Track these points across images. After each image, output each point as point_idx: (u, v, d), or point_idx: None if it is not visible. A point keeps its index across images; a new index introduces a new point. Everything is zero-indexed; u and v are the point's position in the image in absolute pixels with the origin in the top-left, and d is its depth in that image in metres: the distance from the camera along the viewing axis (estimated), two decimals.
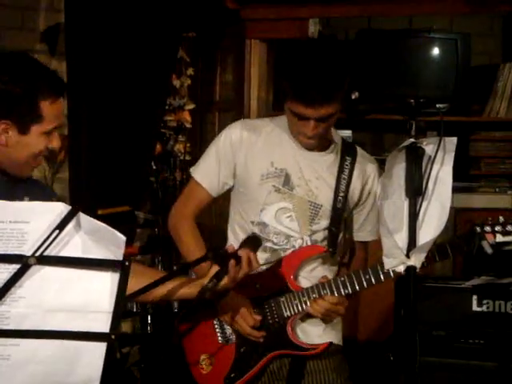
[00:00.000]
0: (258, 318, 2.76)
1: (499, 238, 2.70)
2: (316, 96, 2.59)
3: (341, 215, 2.82)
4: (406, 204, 2.40)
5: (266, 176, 2.79)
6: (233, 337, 2.82)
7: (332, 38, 5.04)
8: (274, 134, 2.83)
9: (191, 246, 2.86)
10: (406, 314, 2.57)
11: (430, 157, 2.42)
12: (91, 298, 1.75)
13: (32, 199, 2.29)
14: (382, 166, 4.59)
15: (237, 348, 2.81)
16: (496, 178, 4.94)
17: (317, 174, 2.81)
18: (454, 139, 2.44)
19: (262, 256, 2.76)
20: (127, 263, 1.74)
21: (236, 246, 2.56)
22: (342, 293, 2.73)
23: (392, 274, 2.65)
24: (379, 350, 3.86)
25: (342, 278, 2.74)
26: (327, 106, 2.62)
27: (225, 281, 2.41)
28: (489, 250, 2.70)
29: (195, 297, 2.39)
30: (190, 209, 2.89)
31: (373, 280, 2.72)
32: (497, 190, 4.82)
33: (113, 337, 1.75)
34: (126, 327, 4.28)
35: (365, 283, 2.73)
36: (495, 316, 3.35)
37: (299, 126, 2.71)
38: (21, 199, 2.28)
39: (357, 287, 2.73)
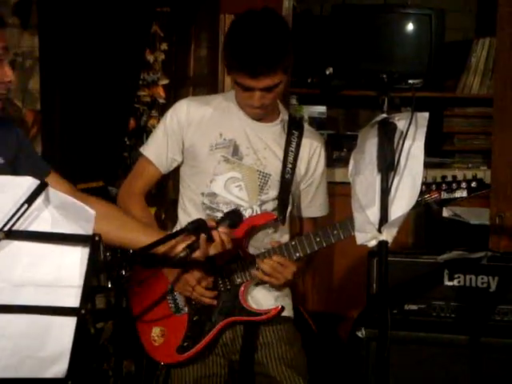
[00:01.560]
0: (210, 279, 2.79)
1: (444, 196, 2.78)
2: (258, 67, 2.65)
3: (289, 186, 2.86)
4: (377, 179, 2.41)
5: (214, 146, 2.83)
6: (185, 307, 2.84)
7: (307, 12, 5.03)
8: (221, 106, 2.88)
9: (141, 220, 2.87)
10: (378, 288, 2.59)
11: (402, 132, 2.43)
12: (61, 273, 1.74)
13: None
14: (356, 141, 4.64)
15: (189, 317, 2.84)
16: (469, 153, 4.96)
17: (264, 144, 2.85)
18: (426, 114, 2.46)
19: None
20: (97, 238, 1.73)
21: (187, 221, 2.63)
22: (294, 257, 2.79)
23: (342, 236, 2.73)
24: (351, 323, 3.88)
25: (293, 242, 2.80)
26: (271, 76, 2.67)
27: (196, 253, 2.44)
28: (434, 207, 2.81)
29: (159, 254, 2.42)
30: (139, 185, 2.94)
31: (323, 242, 2.78)
32: (470, 165, 4.85)
33: (83, 311, 1.75)
34: (100, 303, 4.27)
35: (315, 246, 2.78)
36: (466, 290, 3.38)
37: (245, 97, 2.76)
38: None
39: (307, 250, 2.79)
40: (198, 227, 2.49)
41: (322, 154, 2.93)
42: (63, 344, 1.75)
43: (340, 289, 4.65)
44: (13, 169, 2.28)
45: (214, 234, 2.49)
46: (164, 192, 4.42)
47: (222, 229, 2.52)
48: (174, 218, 3.07)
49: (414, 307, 3.40)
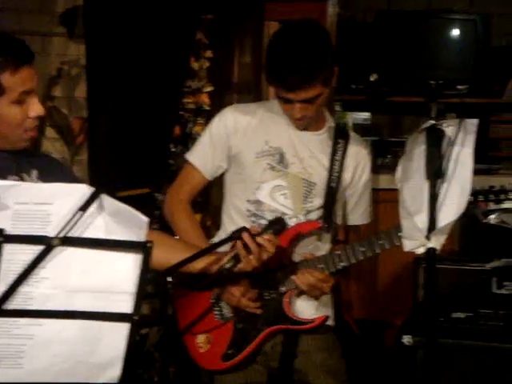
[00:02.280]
0: (255, 291, 2.78)
1: (491, 206, 2.75)
2: (293, 81, 2.63)
3: (335, 195, 2.84)
4: (426, 186, 2.40)
5: (260, 154, 2.82)
6: (230, 314, 2.84)
7: (350, 19, 5.03)
8: (268, 114, 2.86)
9: (188, 231, 2.90)
10: (425, 295, 2.57)
11: (451, 138, 2.42)
12: (114, 279, 1.76)
13: (41, 172, 2.31)
14: (400, 148, 4.62)
15: (234, 325, 2.83)
16: None
17: (310, 152, 2.84)
18: (475, 121, 2.44)
19: None
20: (149, 245, 1.74)
21: (232, 228, 2.63)
22: (339, 266, 2.76)
23: (387, 246, 2.69)
24: (397, 330, 3.86)
25: (338, 252, 2.77)
26: (308, 89, 2.64)
27: (243, 263, 2.45)
28: (480, 218, 2.74)
29: (212, 275, 2.43)
30: (185, 193, 2.94)
31: (368, 253, 2.74)
32: None
33: (135, 318, 1.76)
34: (145, 309, 4.30)
35: (360, 255, 2.75)
36: None
37: (286, 109, 2.75)
38: (28, 172, 2.29)
39: (352, 260, 2.75)
40: (240, 236, 2.48)
41: (368, 163, 2.91)
42: (116, 350, 1.77)
43: (384, 295, 4.63)
44: None
45: (258, 239, 2.48)
46: (209, 198, 4.45)
47: (266, 235, 2.52)
48: (220, 225, 3.08)
49: (462, 315, 3.37)
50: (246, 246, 2.47)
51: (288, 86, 2.64)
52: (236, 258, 2.46)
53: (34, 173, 2.31)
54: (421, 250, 2.44)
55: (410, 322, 3.48)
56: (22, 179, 2.24)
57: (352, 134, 2.93)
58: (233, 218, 2.89)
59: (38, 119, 2.27)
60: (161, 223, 4.08)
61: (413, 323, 3.43)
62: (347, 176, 2.87)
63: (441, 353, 2.37)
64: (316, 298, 2.84)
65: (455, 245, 4.48)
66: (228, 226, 2.89)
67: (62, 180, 2.31)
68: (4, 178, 2.19)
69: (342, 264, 2.76)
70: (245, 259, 2.46)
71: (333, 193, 2.83)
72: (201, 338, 2.86)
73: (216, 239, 2.91)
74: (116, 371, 1.78)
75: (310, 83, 2.63)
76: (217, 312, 2.85)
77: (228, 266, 2.44)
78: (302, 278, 2.75)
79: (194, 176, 2.92)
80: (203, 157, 2.89)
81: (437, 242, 2.39)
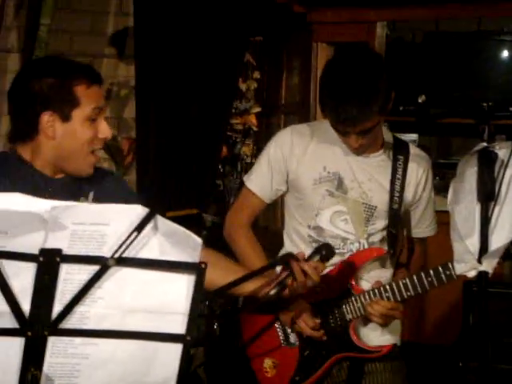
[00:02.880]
0: (318, 320, 2.77)
1: None
2: (350, 116, 2.59)
3: (398, 215, 2.82)
4: (477, 209, 2.37)
5: (319, 181, 2.81)
6: (296, 340, 2.83)
7: (399, 40, 5.01)
8: (324, 137, 2.83)
9: (249, 254, 2.89)
10: (477, 319, 2.54)
11: (503, 161, 2.39)
12: (168, 300, 1.76)
13: (97, 192, 2.36)
14: (448, 170, 4.59)
15: (300, 351, 2.83)
16: None
17: (369, 175, 2.81)
18: None
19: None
20: (203, 266, 1.75)
21: (293, 250, 2.63)
22: (405, 295, 2.72)
23: (455, 276, 2.63)
24: (446, 354, 3.82)
25: (404, 281, 2.73)
26: (365, 122, 2.61)
27: (287, 291, 2.44)
28: None
29: (258, 300, 2.43)
30: (245, 217, 2.93)
31: (435, 282, 2.70)
32: None
33: (188, 338, 1.76)
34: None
35: (427, 285, 2.71)
36: None
37: (342, 139, 2.73)
38: (86, 195, 2.34)
39: (419, 290, 2.71)
40: (286, 262, 2.47)
41: (430, 176, 2.88)
42: (169, 370, 1.77)
43: (433, 319, 4.58)
44: None
45: (304, 266, 2.44)
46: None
47: (312, 263, 2.48)
48: (266, 246, 3.08)
49: None
50: (292, 272, 2.45)
51: (344, 121, 2.61)
52: (282, 285, 2.45)
53: (91, 195, 2.36)
54: (472, 274, 2.41)
55: (459, 346, 3.45)
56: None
57: (412, 148, 2.89)
58: (295, 242, 2.88)
59: (103, 142, 2.34)
60: (208, 244, 4.11)
61: (463, 347, 3.39)
62: (409, 194, 2.84)
63: (493, 378, 2.33)
64: (386, 325, 2.81)
65: (506, 268, 4.43)
66: (289, 249, 2.86)
67: (117, 197, 2.37)
68: None
69: (409, 293, 2.72)
70: (290, 286, 2.45)
71: (396, 215, 2.81)
72: (267, 363, 2.86)
73: None
74: None
75: (367, 117, 2.60)
76: (282, 337, 2.85)
77: (273, 292, 2.44)
78: (372, 310, 2.73)
79: (253, 200, 2.91)
80: (261, 181, 2.88)
81: (488, 266, 2.36)
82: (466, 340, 3.40)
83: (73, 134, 2.28)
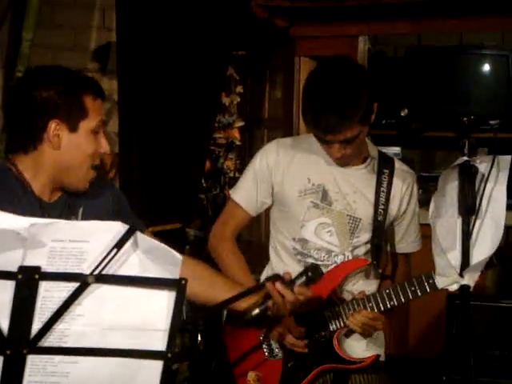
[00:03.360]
0: (302, 329, 2.76)
1: None
2: (330, 124, 2.60)
3: (382, 228, 2.82)
4: (459, 222, 2.38)
5: (303, 192, 2.81)
6: (279, 352, 2.83)
7: (381, 54, 5.04)
8: (309, 150, 2.84)
9: (234, 267, 2.89)
10: (460, 333, 2.55)
11: (484, 175, 2.40)
12: (148, 317, 1.76)
13: (87, 208, 2.35)
14: (431, 183, 4.61)
15: (284, 363, 2.82)
16: None
17: (354, 187, 2.82)
18: (509, 157, 2.42)
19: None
20: (183, 282, 1.75)
21: (279, 263, 2.64)
22: (388, 305, 2.73)
23: (438, 285, 2.65)
24: (430, 367, 3.82)
25: (387, 291, 2.74)
26: (346, 131, 2.62)
27: (270, 312, 2.44)
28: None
29: (242, 319, 2.43)
30: (230, 229, 2.93)
31: (418, 292, 2.71)
32: None
33: (169, 355, 1.76)
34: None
35: (410, 295, 2.72)
36: None
37: (325, 149, 2.74)
38: (76, 213, 2.33)
39: (402, 299, 2.72)
40: (262, 285, 2.48)
41: (414, 191, 2.88)
42: None
43: (416, 331, 4.59)
44: None
45: (285, 293, 2.44)
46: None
47: (297, 287, 2.46)
48: (250, 260, 3.07)
49: (497, 353, 3.34)
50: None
51: (325, 128, 2.62)
52: (263, 306, 2.44)
53: (80, 211, 2.35)
54: (454, 287, 2.42)
55: (442, 359, 3.45)
56: None
57: (397, 163, 2.90)
58: (280, 255, 2.88)
59: (100, 156, 2.34)
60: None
61: (446, 360, 3.40)
62: (394, 207, 2.85)
63: None
64: (366, 336, 2.81)
65: (488, 281, 4.44)
66: (275, 263, 2.89)
67: (106, 211, 2.38)
68: None
69: (392, 303, 2.73)
70: (271, 309, 2.45)
71: (380, 227, 2.81)
72: (251, 376, 2.84)
73: (263, 276, 2.91)
74: None
75: (347, 125, 2.61)
76: (266, 349, 2.84)
77: (255, 313, 2.43)
78: (353, 321, 2.73)
79: (239, 213, 2.91)
80: (247, 193, 2.89)
81: (470, 279, 2.37)
82: (449, 353, 3.40)
83: (78, 146, 2.27)
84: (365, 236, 2.82)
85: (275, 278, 2.46)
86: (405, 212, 2.88)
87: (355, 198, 2.81)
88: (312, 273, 2.48)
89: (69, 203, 2.35)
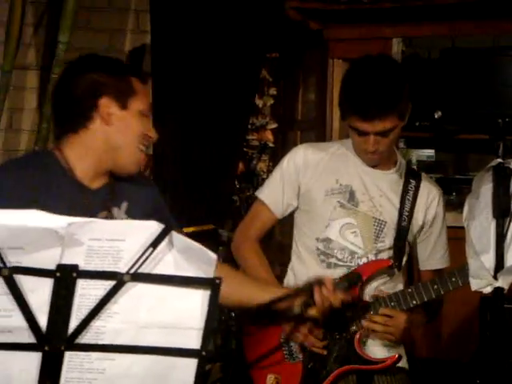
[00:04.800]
0: (321, 330, 2.75)
1: None
2: (371, 110, 2.63)
3: (405, 233, 2.83)
4: (493, 225, 2.37)
5: (330, 192, 2.82)
6: (299, 354, 2.82)
7: (415, 56, 5.03)
8: (338, 153, 2.87)
9: (256, 268, 2.90)
10: (494, 336, 2.54)
11: None
12: (182, 315, 1.77)
13: (130, 203, 2.38)
14: (465, 185, 4.59)
15: (304, 365, 2.81)
16: None
17: (381, 191, 2.83)
18: None
19: (324, 272, 2.80)
20: (218, 281, 1.76)
21: (300, 269, 2.77)
22: (410, 304, 2.73)
23: (460, 283, 2.67)
24: (463, 370, 3.81)
25: (410, 290, 2.75)
26: (384, 120, 2.65)
27: (312, 311, 2.45)
28: None
29: (282, 320, 2.45)
30: (254, 230, 2.94)
31: (441, 290, 2.72)
32: None
33: (204, 353, 1.77)
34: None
35: (433, 293, 2.73)
36: None
37: (360, 142, 2.75)
38: (119, 205, 2.36)
39: (425, 297, 2.73)
40: (311, 284, 2.49)
41: (441, 205, 2.88)
42: None
43: (449, 334, 4.57)
44: None
45: (330, 296, 2.47)
46: (271, 234, 4.47)
47: (339, 293, 2.50)
48: (282, 261, 3.09)
49: None
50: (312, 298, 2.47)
51: (365, 114, 2.64)
52: (305, 305, 2.45)
53: (124, 206, 2.38)
54: (488, 290, 2.41)
55: (476, 362, 3.44)
56: (111, 214, 2.34)
57: (423, 176, 2.92)
58: (301, 257, 2.89)
59: (150, 143, 2.38)
60: (225, 259, 4.12)
61: (480, 364, 3.38)
62: (419, 216, 2.85)
63: None
64: (389, 339, 2.81)
65: None
66: (296, 265, 2.90)
67: (148, 210, 2.41)
68: (95, 214, 2.28)
69: (414, 302, 2.73)
70: (312, 310, 2.47)
71: (404, 232, 2.81)
72: (270, 378, 2.84)
73: (287, 280, 2.92)
74: None
75: (388, 113, 2.65)
76: (286, 352, 2.84)
77: (297, 311, 2.45)
78: (372, 321, 2.74)
79: (264, 214, 2.92)
80: (274, 195, 2.90)
81: (504, 282, 2.36)
82: (483, 356, 3.38)
83: (128, 125, 2.32)
84: (389, 240, 2.82)
85: (319, 282, 2.48)
86: (431, 225, 2.88)
87: (381, 201, 2.82)
88: (353, 280, 2.51)
89: (113, 193, 2.37)
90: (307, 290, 2.48)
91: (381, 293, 2.78)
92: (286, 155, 2.94)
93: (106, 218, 2.32)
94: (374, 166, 2.82)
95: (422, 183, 2.86)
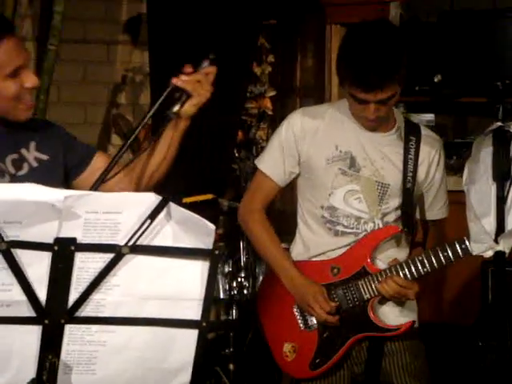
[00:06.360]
0: (334, 304, 2.77)
1: None
2: (374, 80, 2.60)
3: (411, 194, 2.81)
4: (493, 188, 2.37)
5: (331, 160, 2.80)
6: (314, 323, 2.83)
7: (414, 20, 4.98)
8: (335, 117, 2.84)
9: (264, 238, 2.90)
10: (495, 299, 2.54)
11: None
12: (182, 287, 1.78)
13: (38, 142, 2.35)
14: (464, 149, 4.57)
15: (319, 334, 2.82)
16: None
17: (382, 154, 2.81)
18: None
19: (334, 240, 2.81)
20: (217, 252, 1.76)
21: (307, 235, 2.79)
22: (421, 272, 2.73)
23: (471, 249, 2.64)
24: (466, 334, 3.82)
25: (420, 257, 2.74)
26: (386, 90, 2.62)
27: (191, 102, 2.41)
28: None
29: (162, 124, 2.41)
30: (259, 201, 2.92)
31: (451, 257, 2.71)
32: None
33: (204, 324, 1.77)
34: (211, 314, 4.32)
35: (443, 260, 2.72)
36: None
37: (359, 110, 2.72)
38: (27, 146, 2.33)
39: (435, 265, 2.72)
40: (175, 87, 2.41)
41: (442, 157, 2.87)
42: (185, 356, 1.78)
43: (452, 298, 4.58)
44: (60, 164, 2.38)
45: (194, 76, 2.42)
46: (272, 202, 4.46)
47: (202, 70, 2.45)
48: (284, 229, 3.08)
49: None
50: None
51: (366, 86, 2.61)
52: (180, 99, 2.39)
53: (32, 145, 2.35)
54: (489, 254, 2.41)
55: (478, 326, 3.45)
56: (20, 155, 2.31)
57: (423, 130, 2.89)
58: (308, 224, 2.87)
59: (33, 90, 2.31)
60: (226, 228, 4.12)
61: (482, 327, 3.39)
62: (422, 173, 2.84)
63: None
64: (401, 303, 2.81)
65: None
66: (304, 232, 2.88)
67: (58, 145, 2.38)
68: (4, 157, 2.27)
69: (425, 269, 2.73)
70: (195, 92, 2.40)
71: (409, 193, 2.81)
72: (287, 347, 2.86)
73: (293, 247, 2.92)
74: (186, 377, 1.81)
75: (389, 83, 2.62)
76: (301, 321, 2.85)
77: (176, 108, 2.38)
78: (385, 287, 2.73)
79: (267, 184, 2.90)
80: (274, 164, 2.87)
81: (505, 245, 2.36)
82: (485, 319, 3.39)
83: None
84: (394, 202, 2.81)
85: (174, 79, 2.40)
86: (433, 178, 2.87)
87: (383, 164, 2.80)
88: (213, 54, 2.44)
89: (15, 136, 2.33)
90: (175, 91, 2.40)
91: (393, 262, 2.78)
92: (282, 123, 2.90)
93: (16, 160, 2.30)
94: (372, 130, 2.81)
95: (422, 138, 2.84)
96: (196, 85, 2.41)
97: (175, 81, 2.39)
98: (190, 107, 2.42)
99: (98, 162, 2.45)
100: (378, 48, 2.64)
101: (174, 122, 2.43)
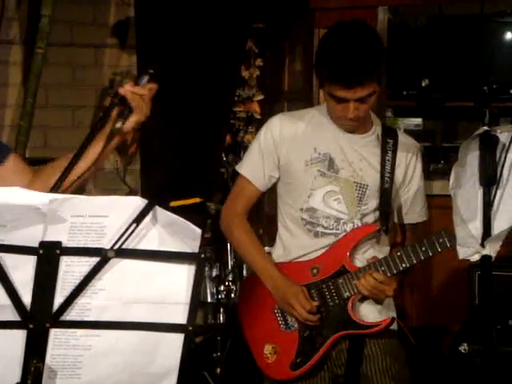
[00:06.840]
0: (315, 303, 2.79)
1: None
2: (352, 77, 2.63)
3: (389, 195, 2.84)
4: (479, 193, 2.37)
5: (310, 162, 2.83)
6: (295, 323, 2.85)
7: (402, 24, 5.00)
8: (314, 121, 2.87)
9: (245, 243, 2.93)
10: (482, 303, 2.55)
11: (505, 145, 2.38)
12: (168, 290, 1.77)
13: None
14: (453, 153, 4.59)
15: (300, 333, 2.84)
16: None
17: (360, 155, 2.84)
18: None
19: (314, 241, 2.83)
20: (203, 256, 1.76)
21: (288, 239, 2.81)
22: (400, 267, 2.75)
23: (448, 244, 2.69)
24: (452, 338, 3.82)
25: (399, 253, 2.77)
26: (365, 86, 2.65)
27: (132, 118, 2.26)
28: None
29: (106, 142, 2.23)
30: (241, 206, 2.94)
31: (429, 251, 2.73)
32: None
33: (190, 328, 1.77)
34: (198, 318, 4.32)
35: (421, 255, 2.74)
36: None
37: (339, 110, 2.74)
38: None
39: (414, 260, 2.75)
40: (121, 98, 2.25)
41: (419, 160, 2.90)
42: (172, 360, 1.78)
43: (439, 302, 4.59)
44: None
45: (138, 90, 2.25)
46: (260, 207, 4.46)
47: (144, 86, 2.26)
48: (272, 233, 3.08)
49: None
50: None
51: (346, 82, 2.64)
52: (122, 115, 2.26)
53: None
54: (475, 258, 2.41)
55: (465, 330, 3.45)
56: None
57: (400, 134, 2.93)
58: (288, 228, 2.89)
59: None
60: (213, 232, 4.12)
61: (468, 331, 3.40)
62: (399, 174, 2.87)
63: (498, 361, 2.33)
64: (379, 301, 2.83)
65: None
66: (284, 236, 2.91)
67: None
68: None
69: (404, 265, 2.75)
70: (138, 108, 2.25)
71: (387, 194, 2.83)
72: (268, 349, 2.87)
73: (274, 251, 2.93)
74: (173, 381, 1.80)
75: (368, 80, 2.65)
76: (281, 321, 2.86)
77: (118, 125, 2.24)
78: (363, 282, 2.75)
79: (248, 189, 2.92)
80: (254, 168, 2.90)
81: (492, 250, 2.36)
82: (472, 323, 3.40)
83: None
84: (373, 203, 2.83)
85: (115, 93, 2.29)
86: (410, 181, 2.90)
87: (361, 165, 2.83)
88: (153, 69, 2.37)
89: None
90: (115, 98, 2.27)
91: (372, 259, 2.79)
92: (261, 128, 2.93)
93: None
94: (351, 132, 2.82)
95: (399, 142, 2.87)
96: (139, 100, 2.28)
97: (122, 91, 2.26)
98: (129, 123, 2.28)
99: (12, 163, 2.35)
100: (357, 45, 2.67)
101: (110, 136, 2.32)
